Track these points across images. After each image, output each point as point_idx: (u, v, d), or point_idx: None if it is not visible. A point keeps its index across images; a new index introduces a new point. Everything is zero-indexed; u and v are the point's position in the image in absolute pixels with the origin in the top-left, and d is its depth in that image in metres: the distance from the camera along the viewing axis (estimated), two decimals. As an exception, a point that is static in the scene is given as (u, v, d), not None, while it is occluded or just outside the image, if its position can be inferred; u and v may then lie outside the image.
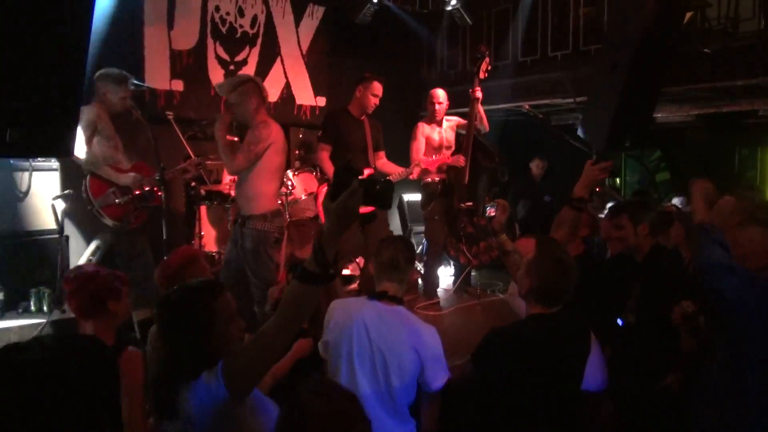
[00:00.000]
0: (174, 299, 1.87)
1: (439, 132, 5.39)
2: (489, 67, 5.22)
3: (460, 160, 5.11)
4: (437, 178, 5.33)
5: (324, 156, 4.92)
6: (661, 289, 3.06)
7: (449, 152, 5.38)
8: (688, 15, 5.04)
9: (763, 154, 7.86)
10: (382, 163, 5.13)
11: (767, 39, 4.76)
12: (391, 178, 4.80)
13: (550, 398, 2.30)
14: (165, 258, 2.85)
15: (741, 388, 2.23)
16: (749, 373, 2.22)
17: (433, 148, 5.36)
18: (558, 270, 2.32)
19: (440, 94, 5.35)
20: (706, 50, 4.96)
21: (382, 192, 1.62)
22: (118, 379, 1.31)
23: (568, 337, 2.37)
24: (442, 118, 5.40)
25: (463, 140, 5.23)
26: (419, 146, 5.30)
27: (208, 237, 5.67)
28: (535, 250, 2.42)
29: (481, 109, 5.26)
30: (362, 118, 5.02)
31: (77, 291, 2.46)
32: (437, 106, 5.30)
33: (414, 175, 4.95)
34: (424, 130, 5.37)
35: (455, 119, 5.51)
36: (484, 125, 5.36)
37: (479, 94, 5.12)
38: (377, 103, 4.97)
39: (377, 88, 4.93)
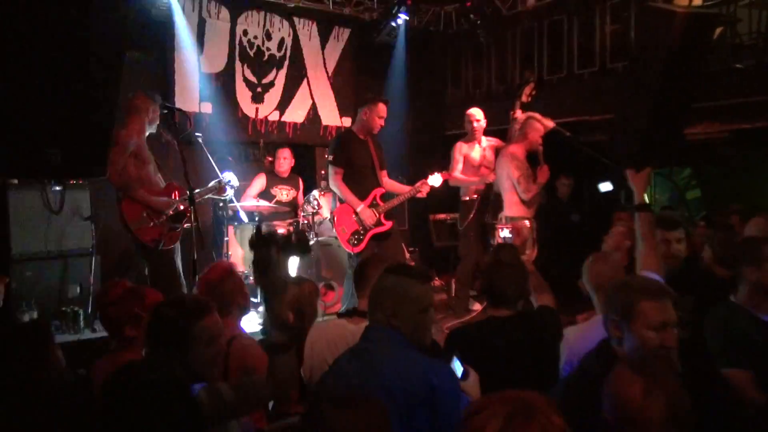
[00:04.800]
0: (160, 314, 1.87)
1: (479, 151, 5.45)
2: (534, 92, 5.30)
3: (491, 177, 5.23)
4: (474, 195, 5.38)
5: (338, 179, 4.89)
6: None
7: (489, 171, 5.44)
8: (718, 30, 4.99)
9: (798, 171, 7.67)
10: (387, 181, 5.07)
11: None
12: (401, 197, 4.91)
13: None
14: (203, 274, 2.87)
15: None
16: None
17: (473, 167, 5.42)
18: (498, 272, 2.43)
19: (477, 112, 5.49)
20: (738, 65, 4.90)
21: (299, 241, 2.00)
22: None
23: (522, 340, 2.38)
24: (481, 137, 5.50)
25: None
26: (456, 165, 5.44)
27: (236, 257, 5.71)
28: (491, 253, 2.58)
29: None
30: (366, 138, 5.00)
31: (100, 313, 2.52)
32: (475, 125, 5.44)
33: (423, 193, 4.96)
34: (462, 149, 5.49)
35: (495, 140, 5.58)
36: None
37: (519, 115, 5.22)
38: (382, 124, 4.95)
39: (382, 109, 4.91)
